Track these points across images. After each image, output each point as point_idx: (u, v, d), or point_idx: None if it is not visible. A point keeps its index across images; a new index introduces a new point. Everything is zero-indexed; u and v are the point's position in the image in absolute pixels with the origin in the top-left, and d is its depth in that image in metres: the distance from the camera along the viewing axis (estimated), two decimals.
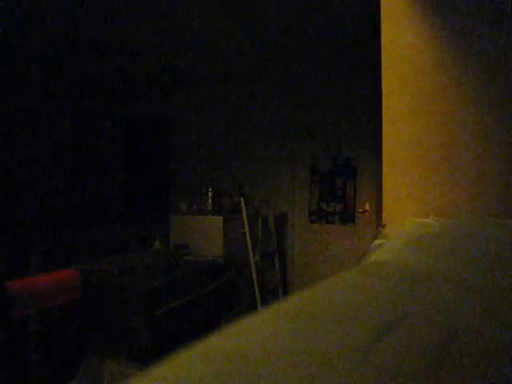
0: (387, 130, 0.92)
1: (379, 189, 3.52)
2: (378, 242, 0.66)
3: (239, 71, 3.93)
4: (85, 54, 3.35)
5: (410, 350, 0.17)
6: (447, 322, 0.20)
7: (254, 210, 3.86)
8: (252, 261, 3.38)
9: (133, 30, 2.96)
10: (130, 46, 3.27)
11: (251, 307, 3.54)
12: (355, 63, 3.57)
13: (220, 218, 3.38)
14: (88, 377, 2.12)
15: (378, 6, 1.01)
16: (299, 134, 4.17)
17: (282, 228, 4.22)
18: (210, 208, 3.56)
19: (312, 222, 4.15)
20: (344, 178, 4.04)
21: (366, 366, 0.16)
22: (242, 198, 3.45)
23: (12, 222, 2.37)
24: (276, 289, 4.03)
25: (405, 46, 0.91)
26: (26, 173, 2.53)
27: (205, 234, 3.39)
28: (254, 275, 3.38)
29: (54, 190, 2.75)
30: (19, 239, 2.35)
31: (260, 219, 3.82)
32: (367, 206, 3.87)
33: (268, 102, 4.25)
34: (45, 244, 2.51)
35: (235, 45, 3.25)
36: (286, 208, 4.22)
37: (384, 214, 0.91)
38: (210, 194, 3.60)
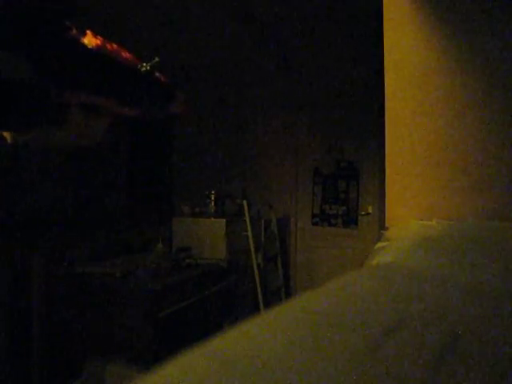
0: (390, 132, 0.92)
1: (382, 191, 3.51)
2: (380, 244, 0.66)
3: (242, 74, 3.95)
4: None
5: (414, 352, 0.17)
6: (450, 324, 0.20)
7: (256, 213, 3.86)
8: (255, 264, 3.38)
9: (137, 31, 2.98)
10: (133, 46, 3.28)
11: (254, 310, 3.53)
12: (358, 66, 3.58)
13: (223, 221, 3.38)
14: (91, 379, 2.13)
15: (381, 8, 1.02)
16: (302, 136, 4.17)
17: (285, 231, 4.22)
18: (212, 211, 3.56)
19: (315, 224, 4.14)
20: (347, 180, 4.04)
21: (369, 368, 0.16)
22: (244, 201, 3.45)
23: (14, 223, 2.38)
24: (279, 291, 4.02)
25: (407, 48, 0.91)
26: (29, 174, 2.54)
27: (207, 236, 3.39)
28: (257, 278, 3.38)
29: (57, 192, 2.76)
30: (21, 240, 2.36)
31: (263, 222, 3.82)
32: (370, 209, 3.87)
33: (271, 105, 4.26)
34: (47, 245, 2.52)
35: (237, 48, 3.26)
36: (288, 211, 4.22)
37: (387, 217, 0.91)
38: (212, 197, 3.60)
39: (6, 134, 0.56)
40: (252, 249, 3.38)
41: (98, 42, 0.51)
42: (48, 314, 2.42)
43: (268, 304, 3.52)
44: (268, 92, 4.23)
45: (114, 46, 0.53)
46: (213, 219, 3.45)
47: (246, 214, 3.41)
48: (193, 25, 2.85)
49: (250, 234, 3.40)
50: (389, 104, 0.93)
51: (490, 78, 0.84)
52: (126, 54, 0.56)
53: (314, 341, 0.18)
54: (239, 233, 3.48)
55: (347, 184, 4.04)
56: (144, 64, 0.62)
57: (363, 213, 3.88)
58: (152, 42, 3.13)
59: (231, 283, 3.36)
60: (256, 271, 3.37)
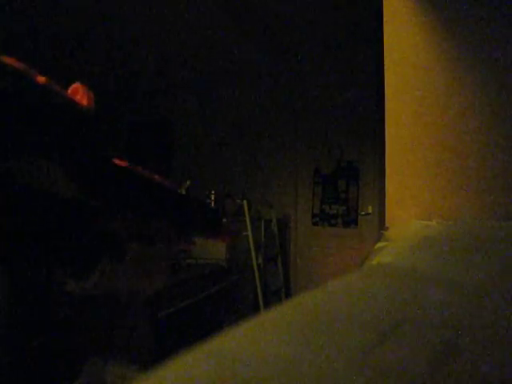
0: (390, 132, 0.92)
1: (382, 191, 3.51)
2: (380, 244, 0.66)
3: (242, 75, 3.94)
4: (88, 55, 3.37)
5: (414, 351, 0.17)
6: (450, 325, 0.20)
7: (256, 213, 3.86)
8: (255, 264, 3.38)
9: (139, 32, 2.98)
10: (134, 47, 3.29)
11: (254, 310, 3.53)
12: (358, 65, 3.58)
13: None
14: (91, 379, 2.12)
15: (381, 8, 1.02)
16: (302, 136, 4.17)
17: (285, 231, 4.22)
18: None
19: (314, 224, 4.14)
20: (347, 180, 4.04)
21: (369, 369, 0.16)
22: (244, 201, 3.45)
23: (15, 223, 2.38)
24: (279, 291, 4.02)
25: (408, 48, 0.91)
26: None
27: None
28: (257, 278, 3.38)
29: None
30: (22, 240, 2.35)
31: (263, 222, 3.82)
32: (370, 209, 3.86)
33: (270, 105, 4.26)
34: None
35: (238, 49, 3.26)
36: (288, 211, 4.22)
37: (387, 217, 0.91)
38: (212, 197, 3.60)
39: (70, 282, 0.49)
40: (252, 249, 3.38)
41: (125, 163, 0.48)
42: (48, 314, 2.42)
43: (268, 304, 3.52)
44: (268, 92, 4.23)
45: (139, 167, 0.51)
46: None
47: (246, 214, 3.41)
48: (193, 25, 2.85)
49: (250, 233, 3.39)
50: (389, 104, 0.93)
51: (490, 78, 0.84)
52: (154, 175, 0.53)
53: (314, 341, 0.18)
54: (239, 233, 3.47)
55: (347, 184, 4.03)
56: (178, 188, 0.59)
57: (363, 213, 3.88)
58: (153, 38, 3.13)
59: (231, 283, 3.36)
60: (256, 271, 3.37)
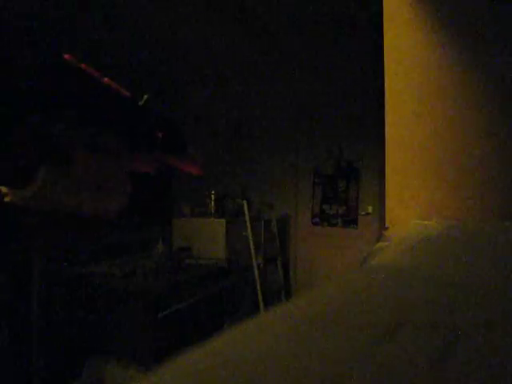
0: (390, 132, 0.92)
1: (382, 191, 3.51)
2: (380, 244, 0.66)
3: (242, 75, 3.94)
4: (89, 53, 3.37)
5: (413, 353, 0.17)
6: (450, 324, 0.20)
7: (256, 213, 3.86)
8: (255, 264, 3.38)
9: (140, 31, 2.98)
10: (135, 47, 3.29)
11: (254, 310, 3.53)
12: (358, 65, 3.58)
13: (223, 221, 3.38)
14: (90, 379, 2.12)
15: (381, 8, 1.02)
16: (302, 136, 4.17)
17: (285, 231, 4.22)
18: (212, 211, 3.56)
19: (314, 224, 4.14)
20: (347, 180, 4.04)
21: (369, 369, 0.16)
22: (244, 201, 3.45)
23: (14, 224, 2.38)
24: (279, 292, 4.02)
25: (408, 47, 0.91)
26: None
27: (207, 237, 3.39)
28: (257, 278, 3.38)
29: None
30: (22, 241, 2.36)
31: (263, 222, 3.82)
32: (370, 209, 3.86)
33: (271, 105, 4.26)
34: (47, 246, 2.52)
35: (238, 49, 3.26)
36: (288, 211, 4.22)
37: (387, 217, 0.91)
38: (212, 197, 3.60)
39: (7, 190, 0.43)
40: (252, 249, 3.38)
41: (69, 56, 0.42)
42: (48, 314, 2.42)
43: (268, 304, 3.52)
44: (268, 92, 4.23)
45: (86, 65, 0.45)
46: (213, 219, 3.45)
47: (246, 214, 3.41)
48: (193, 27, 2.85)
49: (249, 233, 3.39)
50: (389, 103, 0.93)
51: (491, 78, 0.84)
52: (103, 77, 0.47)
53: (313, 341, 0.18)
54: (239, 233, 3.48)
55: (347, 184, 4.03)
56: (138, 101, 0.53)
57: (363, 213, 3.88)
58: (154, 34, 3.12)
59: (231, 283, 3.36)
60: (256, 271, 3.37)
